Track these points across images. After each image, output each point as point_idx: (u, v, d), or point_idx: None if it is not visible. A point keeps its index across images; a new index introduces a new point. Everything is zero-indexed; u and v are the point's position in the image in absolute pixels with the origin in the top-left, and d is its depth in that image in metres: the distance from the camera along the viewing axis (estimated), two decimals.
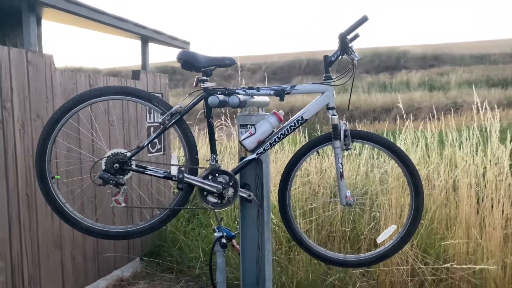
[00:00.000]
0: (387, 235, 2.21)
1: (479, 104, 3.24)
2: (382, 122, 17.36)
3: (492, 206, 3.07)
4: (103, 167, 1.94)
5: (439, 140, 4.42)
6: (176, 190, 5.66)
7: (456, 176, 3.63)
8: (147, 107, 4.42)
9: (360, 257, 2.23)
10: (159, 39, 4.49)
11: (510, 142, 3.13)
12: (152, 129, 4.51)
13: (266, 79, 5.13)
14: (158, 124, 2.01)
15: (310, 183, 4.33)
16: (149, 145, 4.50)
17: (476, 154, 3.42)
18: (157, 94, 3.66)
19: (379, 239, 2.22)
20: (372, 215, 3.79)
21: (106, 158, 1.94)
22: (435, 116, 4.34)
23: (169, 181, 5.01)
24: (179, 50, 5.23)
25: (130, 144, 4.09)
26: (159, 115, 2.01)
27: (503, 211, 3.02)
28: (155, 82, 4.55)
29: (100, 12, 3.47)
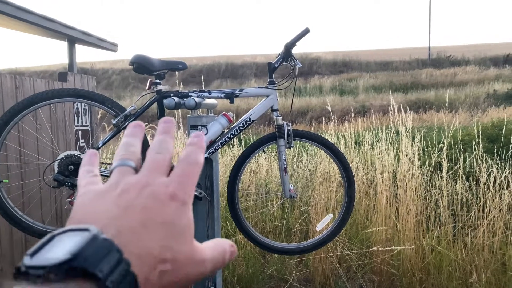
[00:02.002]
0: (324, 223, 2.46)
1: (395, 107, 3.67)
2: (299, 124, 18.20)
3: (406, 196, 3.50)
4: (56, 170, 1.94)
5: (355, 140, 4.89)
6: None
7: (374, 171, 4.06)
8: (77, 108, 4.34)
9: (302, 244, 2.45)
10: (87, 41, 4.38)
11: (420, 141, 3.59)
12: (80, 132, 4.39)
13: (181, 84, 5.17)
14: (112, 126, 2.04)
15: (242, 183, 4.52)
16: (77, 149, 4.38)
17: (392, 152, 3.86)
18: None
19: (318, 227, 2.46)
20: (301, 210, 4.09)
21: (59, 160, 1.94)
22: (348, 119, 4.79)
23: None
24: (106, 51, 5.16)
25: (59, 148, 3.94)
26: (113, 117, 2.05)
27: (417, 198, 3.46)
28: (83, 84, 4.42)
29: (28, 12, 3.33)
